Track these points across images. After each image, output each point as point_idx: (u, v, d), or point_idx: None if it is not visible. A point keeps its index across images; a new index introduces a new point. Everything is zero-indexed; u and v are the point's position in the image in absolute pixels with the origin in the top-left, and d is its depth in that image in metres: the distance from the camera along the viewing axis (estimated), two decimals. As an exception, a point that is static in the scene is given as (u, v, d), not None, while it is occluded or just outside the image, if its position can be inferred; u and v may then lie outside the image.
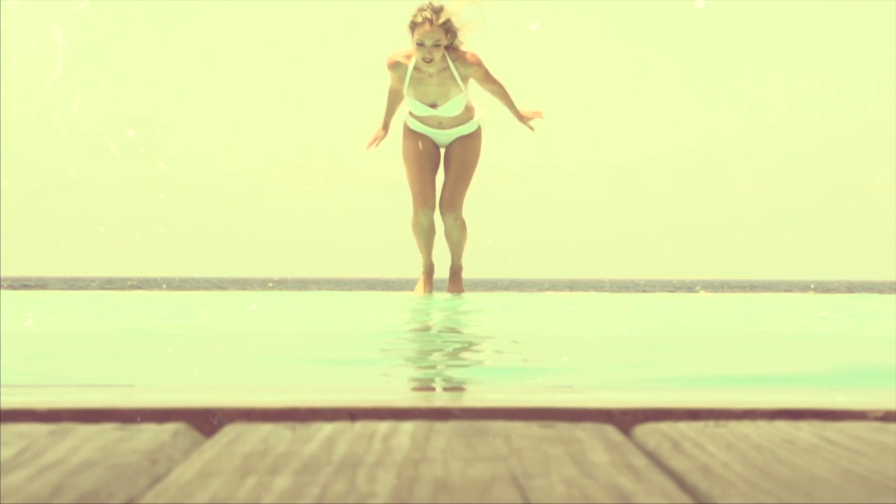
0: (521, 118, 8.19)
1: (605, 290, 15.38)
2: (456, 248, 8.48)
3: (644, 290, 14.46)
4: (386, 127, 8.39)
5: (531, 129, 8.19)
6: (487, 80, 8.12)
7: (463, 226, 8.37)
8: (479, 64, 8.04)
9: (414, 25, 7.87)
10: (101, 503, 0.96)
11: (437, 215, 8.38)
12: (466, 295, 8.52)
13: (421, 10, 7.89)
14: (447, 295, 8.38)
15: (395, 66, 8.08)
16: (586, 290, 14.73)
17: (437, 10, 7.86)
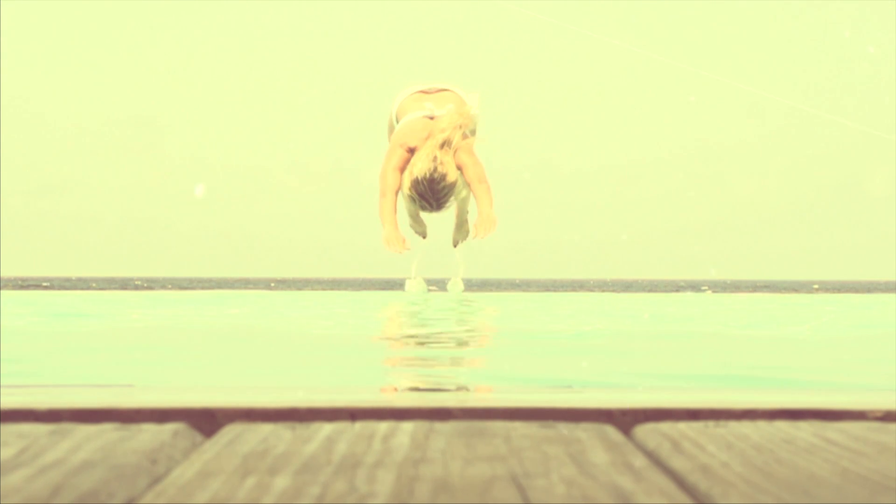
0: (483, 219, 7.56)
1: (609, 291, 15.39)
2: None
3: (649, 291, 14.47)
4: (396, 229, 7.59)
5: (478, 232, 7.55)
6: (465, 153, 7.61)
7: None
8: (462, 150, 7.60)
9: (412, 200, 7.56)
10: (100, 503, 0.96)
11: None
12: (466, 295, 8.53)
13: (417, 190, 7.46)
14: (447, 295, 8.38)
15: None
16: (591, 290, 14.74)
17: (439, 199, 7.47)
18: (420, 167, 7.51)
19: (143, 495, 0.99)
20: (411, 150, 7.66)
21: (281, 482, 1.04)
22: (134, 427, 1.31)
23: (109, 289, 12.62)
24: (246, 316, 5.81)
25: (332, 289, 11.69)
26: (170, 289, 12.40)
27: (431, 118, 7.76)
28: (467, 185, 7.70)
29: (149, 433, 1.27)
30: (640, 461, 1.14)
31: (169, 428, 1.30)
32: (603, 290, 14.93)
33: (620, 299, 8.49)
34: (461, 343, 4.05)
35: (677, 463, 1.14)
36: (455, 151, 7.59)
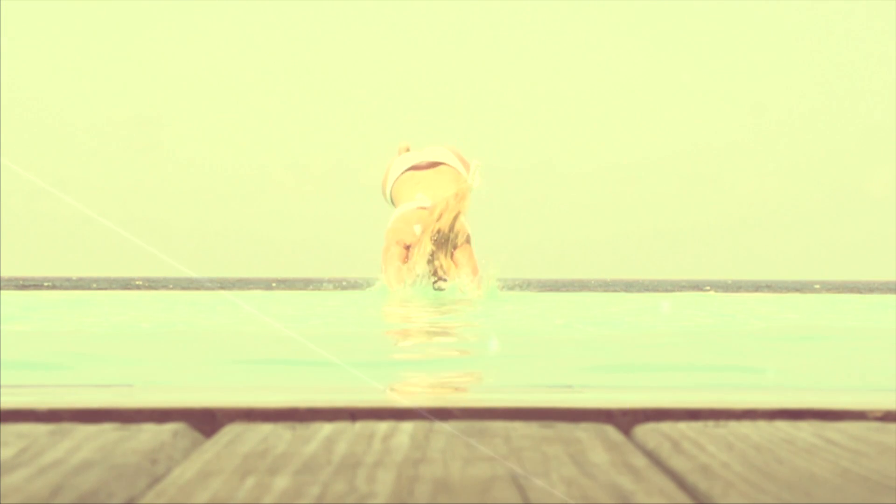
0: (469, 284, 7.91)
1: (612, 290, 15.39)
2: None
3: (651, 291, 14.47)
4: None
5: (468, 290, 7.93)
6: (463, 256, 7.91)
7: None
8: (461, 251, 7.88)
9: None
10: (100, 503, 0.96)
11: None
12: (466, 296, 8.52)
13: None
14: (446, 295, 8.38)
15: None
16: (593, 290, 14.74)
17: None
18: (419, 269, 7.77)
19: (143, 495, 0.99)
20: (408, 247, 7.88)
21: (281, 482, 1.04)
22: (134, 427, 1.31)
23: (111, 289, 12.63)
24: (245, 316, 5.82)
25: (332, 289, 11.69)
26: (171, 289, 12.41)
27: (425, 208, 7.93)
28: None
29: (149, 433, 1.27)
30: (640, 461, 1.14)
31: (169, 428, 1.30)
32: (606, 290, 14.93)
33: (622, 299, 8.49)
34: (461, 343, 4.05)
35: (677, 463, 1.14)
36: (452, 253, 7.79)
